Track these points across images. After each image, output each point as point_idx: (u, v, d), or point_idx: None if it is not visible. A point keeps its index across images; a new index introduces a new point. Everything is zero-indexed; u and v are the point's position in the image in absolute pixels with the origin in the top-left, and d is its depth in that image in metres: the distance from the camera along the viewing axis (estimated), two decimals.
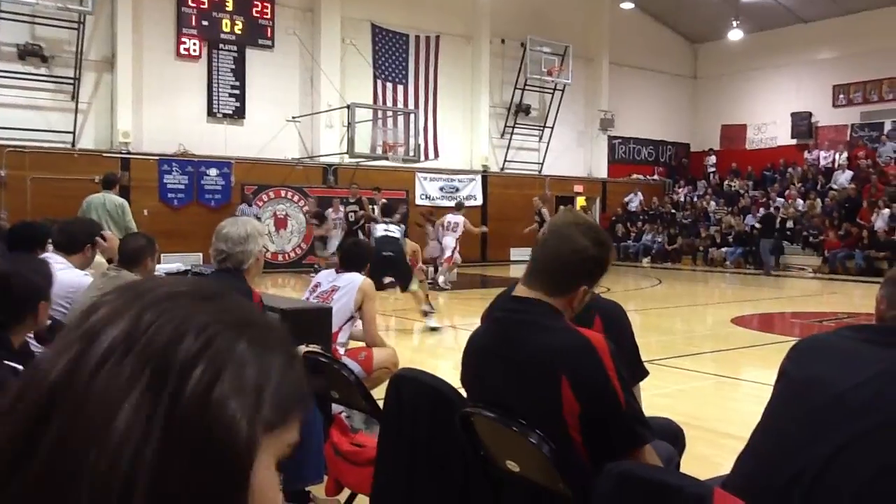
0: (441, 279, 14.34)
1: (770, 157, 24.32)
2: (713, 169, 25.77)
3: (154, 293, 0.59)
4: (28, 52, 15.68)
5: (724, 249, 20.94)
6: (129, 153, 16.71)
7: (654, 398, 5.22)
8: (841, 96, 23.47)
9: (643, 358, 2.58)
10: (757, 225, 19.88)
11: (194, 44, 17.54)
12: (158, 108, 17.05)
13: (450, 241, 14.38)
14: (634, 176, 25.62)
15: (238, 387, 0.55)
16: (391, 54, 20.38)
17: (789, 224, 20.58)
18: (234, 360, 0.56)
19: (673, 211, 24.02)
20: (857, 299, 13.40)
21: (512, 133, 22.51)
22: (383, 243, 9.84)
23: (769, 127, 24.98)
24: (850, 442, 1.60)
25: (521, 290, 2.07)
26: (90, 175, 14.77)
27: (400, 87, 20.56)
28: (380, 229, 10.66)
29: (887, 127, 22.26)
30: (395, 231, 10.55)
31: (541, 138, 23.07)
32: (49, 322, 2.98)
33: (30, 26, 15.76)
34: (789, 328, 10.48)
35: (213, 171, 17.64)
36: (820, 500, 1.59)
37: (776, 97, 24.44)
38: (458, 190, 21.30)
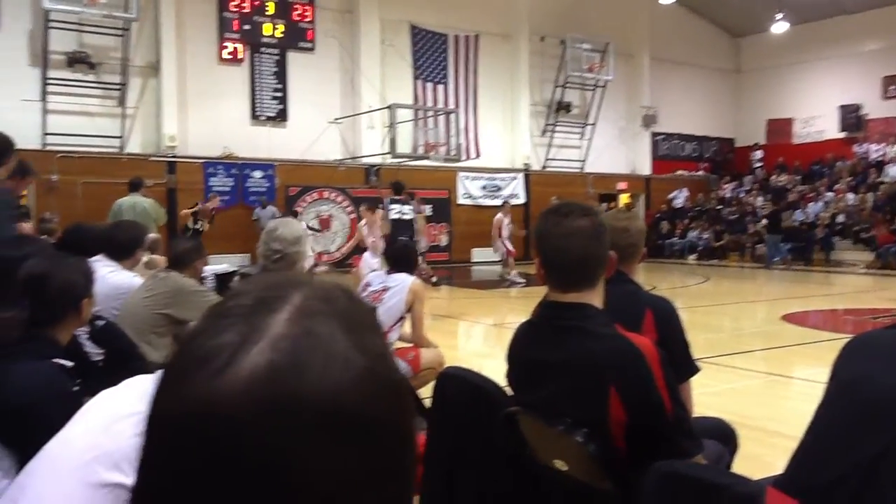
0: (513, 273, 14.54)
1: (818, 150, 23.82)
2: (759, 164, 25.33)
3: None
4: (76, 60, 16.07)
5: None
6: (174, 157, 17.02)
7: (704, 397, 5.14)
8: (891, 88, 22.89)
9: (693, 356, 2.54)
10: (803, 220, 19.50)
11: (237, 48, 17.78)
12: (203, 111, 17.33)
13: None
14: (679, 172, 25.30)
15: None
16: (431, 55, 20.42)
17: (840, 219, 20.14)
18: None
19: (718, 207, 23.67)
20: None
21: (553, 131, 22.39)
22: (396, 228, 10.70)
23: (816, 120, 24.47)
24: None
25: (555, 296, 2.05)
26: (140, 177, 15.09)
27: (440, 87, 20.59)
28: (393, 211, 10.91)
29: None
30: (407, 213, 10.83)
31: (582, 135, 22.91)
32: (101, 323, 3.05)
33: (77, 34, 16.13)
34: (842, 325, 10.24)
35: (257, 174, 17.87)
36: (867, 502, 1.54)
37: (823, 90, 23.94)
38: (499, 189, 21.27)
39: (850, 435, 1.63)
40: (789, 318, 10.09)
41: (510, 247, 14.85)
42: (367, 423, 0.52)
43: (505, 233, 14.74)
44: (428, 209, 19.75)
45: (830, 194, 21.17)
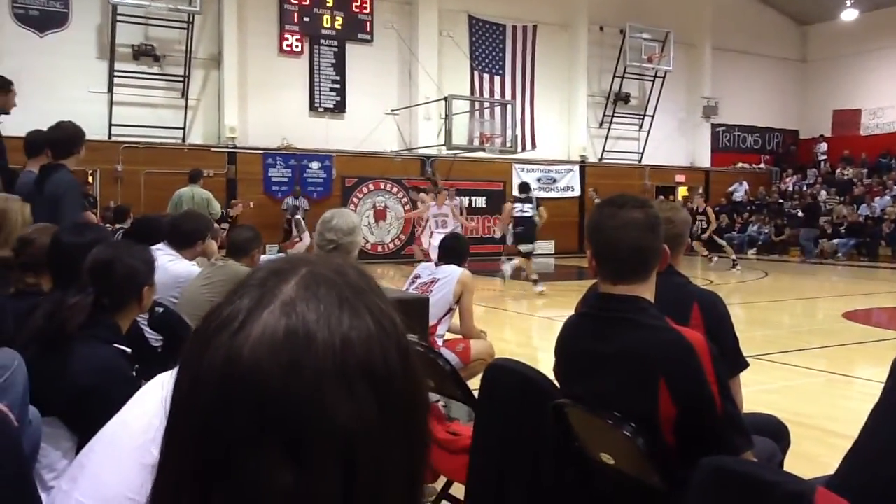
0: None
1: (887, 143, 23.04)
2: (824, 157, 24.62)
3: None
4: (142, 52, 16.49)
5: (835, 241, 20.00)
6: (235, 147, 17.34)
7: (760, 394, 5.06)
8: None
9: (749, 353, 2.51)
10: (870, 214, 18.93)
11: (296, 40, 18.01)
12: (262, 103, 17.60)
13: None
14: (739, 165, 24.77)
15: None
16: (488, 45, 20.36)
17: None
18: None
19: (780, 201, 23.10)
20: None
21: (611, 122, 22.13)
22: (518, 225, 12.19)
23: (886, 111, 23.66)
24: None
25: (606, 288, 2.04)
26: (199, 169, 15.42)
27: (497, 78, 20.52)
28: (515, 209, 12.40)
29: None
30: (528, 210, 12.25)
31: (640, 127, 22.59)
32: (161, 310, 3.14)
33: (143, 27, 16.55)
34: None
35: (315, 164, 18.09)
36: None
37: (893, 80, 23.12)
38: (555, 181, 21.13)
39: None
40: (851, 315, 9.82)
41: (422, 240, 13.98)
42: (375, 374, 0.57)
43: (432, 223, 13.58)
44: (482, 201, 19.77)
45: None
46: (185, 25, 16.65)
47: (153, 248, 4.17)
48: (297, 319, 0.56)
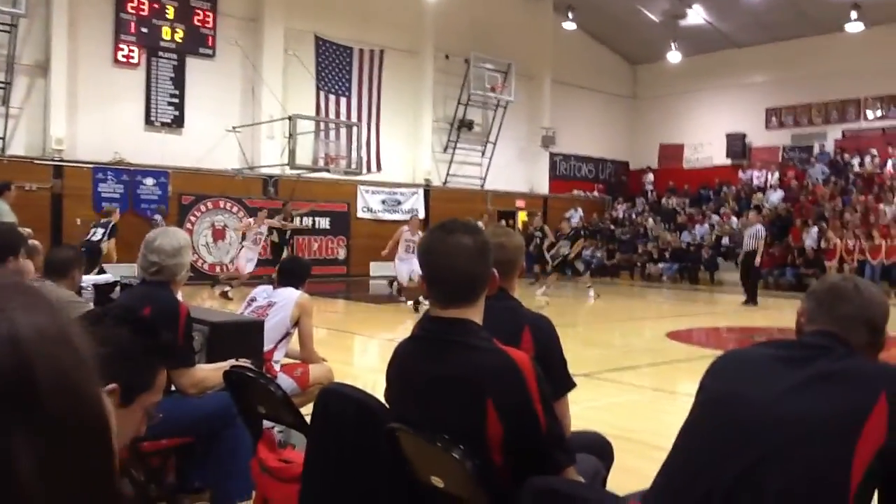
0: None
1: (706, 176, 24.93)
2: (651, 187, 26.29)
3: None
4: None
5: (660, 265, 21.35)
6: (62, 160, 16.27)
7: (589, 411, 5.26)
8: (773, 119, 24.25)
9: (581, 371, 2.60)
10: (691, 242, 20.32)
11: (132, 51, 17.20)
12: (94, 115, 16.64)
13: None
14: (575, 192, 25.97)
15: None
16: (335, 67, 20.30)
17: (724, 241, 21.09)
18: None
19: (612, 227, 24.39)
20: (787, 314, 13.75)
21: (455, 147, 22.61)
22: None
23: (705, 147, 25.63)
24: (758, 461, 1.60)
25: (436, 311, 2.06)
26: (21, 182, 14.31)
27: (343, 100, 20.48)
28: None
29: (816, 149, 23.07)
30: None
31: (483, 153, 23.23)
32: None
33: None
34: (723, 342, 10.70)
35: (149, 181, 17.28)
36: None
37: (712, 118, 25.12)
38: (399, 203, 21.29)
39: (712, 455, 1.69)
40: (674, 335, 10.47)
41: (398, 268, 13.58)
42: (21, 383, 0.49)
43: (401, 249, 13.51)
44: (326, 222, 19.62)
45: (716, 217, 22.15)
46: (7, 28, 15.50)
47: None
48: None
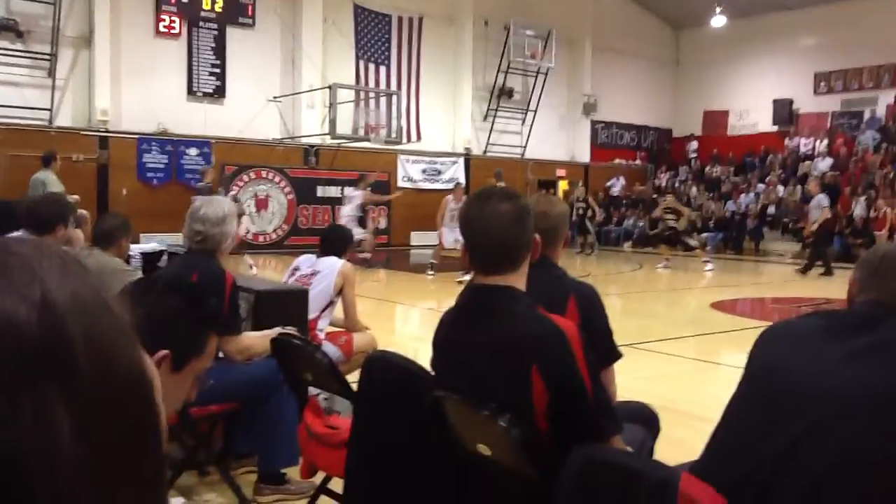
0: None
1: (751, 143, 24.39)
2: (695, 154, 25.83)
3: None
4: (3, 27, 15.42)
5: (704, 234, 21.02)
6: (107, 131, 16.52)
7: (633, 381, 5.22)
8: (822, 84, 23.58)
9: (624, 342, 2.57)
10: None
11: (174, 21, 17.31)
12: (137, 86, 16.82)
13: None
14: (617, 161, 25.65)
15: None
16: (373, 35, 20.22)
17: (770, 210, 20.70)
18: None
19: (655, 196, 24.06)
20: (835, 285, 13.51)
21: (495, 116, 22.44)
22: None
23: (751, 113, 25.05)
24: (803, 434, 1.57)
25: (479, 279, 2.06)
26: (68, 153, 14.61)
27: (382, 69, 20.41)
28: None
29: (867, 115, 22.41)
30: None
31: (524, 122, 23.02)
32: None
33: (4, 0, 15.48)
34: (768, 313, 10.54)
35: (192, 151, 17.48)
36: (774, 498, 1.57)
37: (758, 84, 24.50)
38: (440, 172, 21.25)
39: (759, 428, 1.66)
40: (718, 305, 10.34)
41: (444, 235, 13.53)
42: (56, 346, 0.47)
43: (446, 217, 13.49)
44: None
45: (762, 186, 21.72)
46: (52, 1, 15.68)
47: (13, 235, 3.90)
48: None
